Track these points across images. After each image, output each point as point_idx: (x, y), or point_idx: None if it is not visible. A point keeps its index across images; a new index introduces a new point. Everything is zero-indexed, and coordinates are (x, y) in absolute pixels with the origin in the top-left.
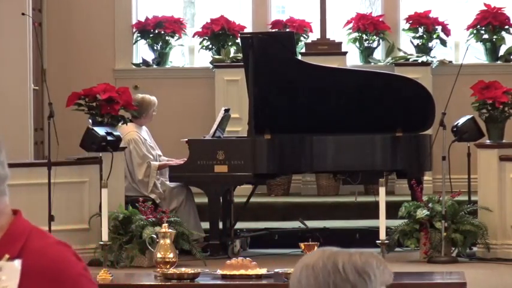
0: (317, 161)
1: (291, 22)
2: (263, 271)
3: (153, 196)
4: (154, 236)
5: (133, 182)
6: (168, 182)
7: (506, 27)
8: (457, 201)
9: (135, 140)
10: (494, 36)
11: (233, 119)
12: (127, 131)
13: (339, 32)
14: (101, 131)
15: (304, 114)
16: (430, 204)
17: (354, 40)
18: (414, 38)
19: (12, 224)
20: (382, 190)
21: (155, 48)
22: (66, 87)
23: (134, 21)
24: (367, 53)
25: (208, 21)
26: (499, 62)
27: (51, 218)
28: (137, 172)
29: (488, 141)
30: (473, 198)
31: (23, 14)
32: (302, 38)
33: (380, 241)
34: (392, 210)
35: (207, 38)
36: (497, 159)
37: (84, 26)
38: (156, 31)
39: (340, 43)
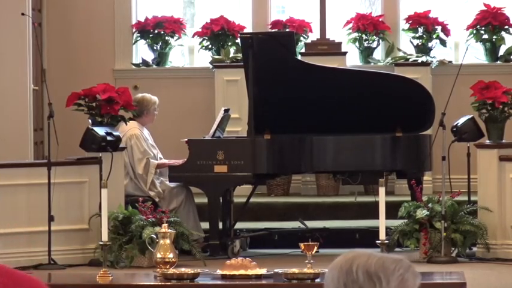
0: (317, 161)
1: (291, 22)
2: (263, 271)
3: (151, 194)
4: (154, 236)
5: (135, 177)
6: (167, 182)
7: (506, 27)
8: (457, 202)
9: (137, 135)
10: (494, 36)
11: (233, 119)
12: (129, 127)
13: (338, 32)
14: (100, 131)
15: (304, 115)
16: (429, 205)
17: (354, 40)
18: (414, 38)
19: None
20: (381, 190)
21: (155, 48)
22: (66, 87)
23: (134, 22)
24: (366, 53)
25: (208, 21)
26: (498, 62)
27: (51, 218)
28: (137, 167)
29: (488, 141)
30: (473, 198)
31: (22, 14)
32: (302, 38)
33: (380, 241)
34: (392, 210)
35: (206, 38)
36: (497, 159)
37: (84, 26)
38: (156, 31)
39: (340, 43)
